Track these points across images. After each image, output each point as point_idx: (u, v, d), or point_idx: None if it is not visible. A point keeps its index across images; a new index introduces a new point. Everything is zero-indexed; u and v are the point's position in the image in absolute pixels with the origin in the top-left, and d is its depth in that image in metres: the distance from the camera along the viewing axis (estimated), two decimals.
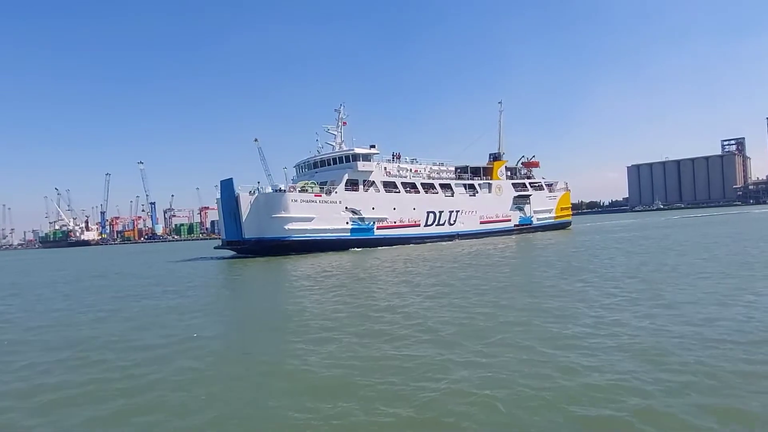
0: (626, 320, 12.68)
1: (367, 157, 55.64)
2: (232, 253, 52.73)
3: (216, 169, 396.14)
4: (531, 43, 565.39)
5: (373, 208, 55.39)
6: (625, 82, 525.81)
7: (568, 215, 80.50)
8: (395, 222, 57.47)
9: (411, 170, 61.64)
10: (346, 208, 53.24)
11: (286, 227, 49.13)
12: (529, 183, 74.35)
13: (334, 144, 59.53)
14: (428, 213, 60.76)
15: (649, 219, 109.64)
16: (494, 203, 68.54)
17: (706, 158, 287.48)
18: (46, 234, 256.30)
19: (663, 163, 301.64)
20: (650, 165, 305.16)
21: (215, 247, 55.29)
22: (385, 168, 58.67)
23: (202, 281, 29.73)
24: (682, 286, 17.32)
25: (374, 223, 55.43)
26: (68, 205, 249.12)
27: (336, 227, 52.19)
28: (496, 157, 71.39)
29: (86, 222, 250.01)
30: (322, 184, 54.24)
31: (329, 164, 56.56)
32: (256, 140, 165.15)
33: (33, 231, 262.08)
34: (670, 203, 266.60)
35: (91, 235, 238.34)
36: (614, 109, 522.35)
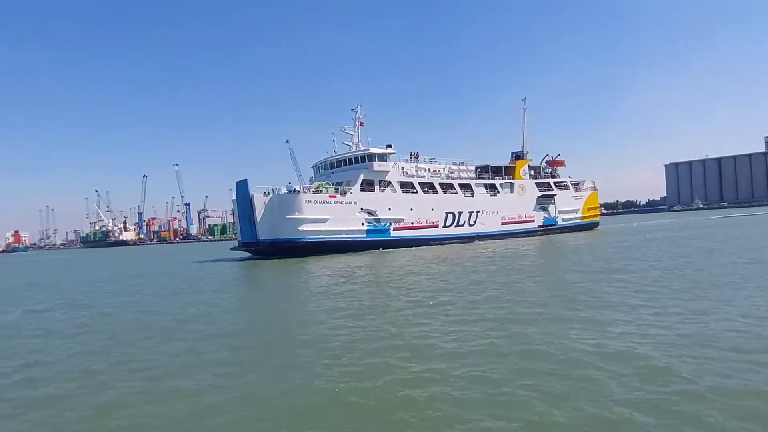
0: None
1: (382, 157, 54.96)
2: (248, 254, 52.89)
3: (248, 171, 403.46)
4: (560, 41, 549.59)
5: (390, 209, 54.65)
6: (663, 78, 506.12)
7: (595, 216, 77.77)
8: (412, 223, 56.56)
9: (429, 170, 60.59)
10: (362, 208, 52.66)
11: (299, 228, 48.90)
12: (554, 182, 72.13)
13: (350, 144, 59.06)
14: (447, 214, 59.59)
15: (688, 219, 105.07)
16: (517, 203, 66.75)
17: (749, 155, 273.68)
18: (86, 234, 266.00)
19: (703, 161, 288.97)
20: (689, 163, 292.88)
21: (231, 249, 55.62)
22: (402, 168, 57.83)
23: (208, 285, 29.68)
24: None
25: (391, 224, 54.68)
26: (107, 207, 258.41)
27: (351, 228, 51.67)
28: (518, 156, 69.55)
29: (124, 223, 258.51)
30: (338, 184, 53.89)
31: (345, 164, 56.14)
32: (287, 141, 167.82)
33: (74, 231, 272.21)
34: (710, 203, 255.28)
35: (129, 236, 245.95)
36: (651, 106, 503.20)
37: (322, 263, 39.34)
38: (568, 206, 72.65)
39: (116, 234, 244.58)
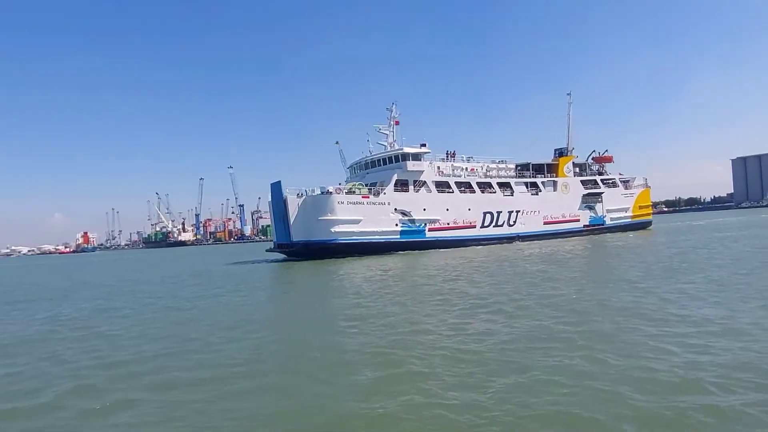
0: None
1: (417, 157, 54.17)
2: (283, 256, 53.49)
3: (300, 172, 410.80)
4: (615, 33, 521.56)
5: (425, 209, 53.80)
6: (730, 67, 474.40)
7: (647, 214, 73.53)
8: (448, 223, 55.43)
9: (466, 169, 59.16)
10: (396, 209, 52.11)
11: (332, 230, 48.94)
12: (601, 180, 68.72)
13: (385, 144, 58.52)
14: (485, 214, 58.00)
15: (756, 217, 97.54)
16: (560, 202, 64.09)
17: None
18: (148, 235, 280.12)
19: None
20: (759, 157, 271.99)
21: (267, 250, 56.43)
22: (439, 167, 56.79)
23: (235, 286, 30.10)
24: None
25: (426, 224, 53.80)
26: (167, 209, 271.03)
27: (384, 229, 51.21)
28: (561, 153, 66.74)
29: (183, 224, 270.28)
30: (372, 185, 53.58)
31: (379, 165, 55.77)
32: (336, 143, 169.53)
33: (137, 232, 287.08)
34: None
35: (187, 236, 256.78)
36: (717, 98, 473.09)
37: (352, 265, 39.13)
38: (616, 204, 69.02)
39: (175, 235, 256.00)
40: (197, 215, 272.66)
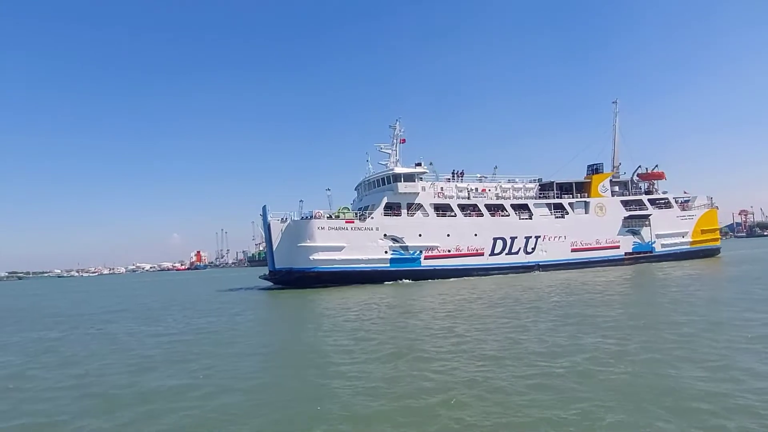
0: None
1: (409, 177, 49.36)
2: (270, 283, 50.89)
3: None
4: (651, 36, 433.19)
5: (420, 235, 48.76)
6: None
7: (713, 239, 61.86)
8: (449, 251, 49.79)
9: (476, 189, 53.19)
10: (385, 235, 47.66)
11: (311, 257, 45.63)
12: (649, 200, 58.95)
13: (388, 164, 54.20)
14: (495, 239, 51.53)
15: None
16: (593, 226, 55.59)
17: None
18: (252, 254, 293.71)
19: None
20: None
21: (260, 277, 54.31)
22: (442, 188, 51.57)
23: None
24: None
25: (421, 252, 48.68)
26: None
27: (372, 257, 46.90)
28: (596, 170, 58.00)
29: None
30: (364, 209, 49.74)
31: (373, 187, 51.79)
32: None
33: (243, 252, 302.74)
34: None
35: None
36: None
37: (327, 297, 35.68)
38: (670, 228, 58.69)
39: None
40: None
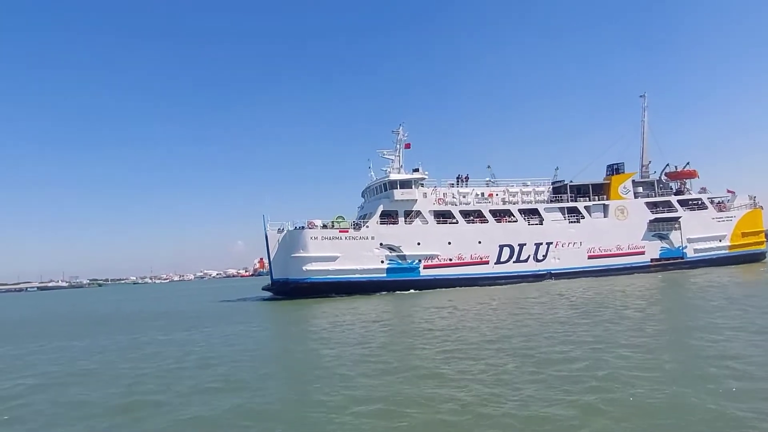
0: None
1: (406, 184, 47.67)
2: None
3: None
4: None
5: (418, 243, 46.96)
6: None
7: (756, 243, 55.66)
8: (450, 259, 47.62)
9: (481, 194, 50.64)
10: (381, 244, 46.22)
11: (304, 268, 44.93)
12: (678, 200, 53.96)
13: (390, 170, 52.63)
14: (501, 247, 48.79)
15: None
16: (613, 230, 51.48)
17: None
18: None
19: None
20: None
21: (262, 288, 54.12)
22: (444, 194, 49.53)
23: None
24: None
25: (420, 261, 46.83)
26: None
27: (367, 267, 45.59)
28: (616, 170, 53.61)
29: None
30: (362, 217, 48.66)
31: (373, 194, 50.55)
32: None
33: None
34: None
35: None
36: None
37: (320, 309, 35.06)
38: (704, 232, 53.44)
39: None
40: None
